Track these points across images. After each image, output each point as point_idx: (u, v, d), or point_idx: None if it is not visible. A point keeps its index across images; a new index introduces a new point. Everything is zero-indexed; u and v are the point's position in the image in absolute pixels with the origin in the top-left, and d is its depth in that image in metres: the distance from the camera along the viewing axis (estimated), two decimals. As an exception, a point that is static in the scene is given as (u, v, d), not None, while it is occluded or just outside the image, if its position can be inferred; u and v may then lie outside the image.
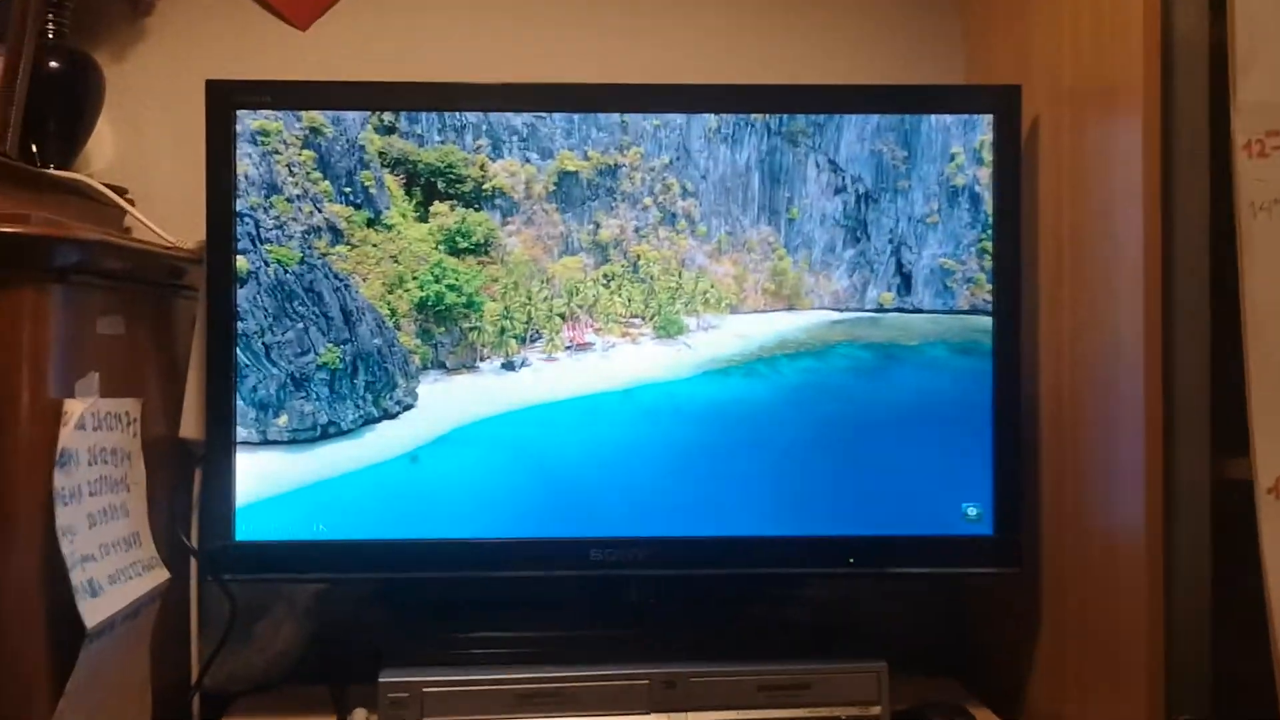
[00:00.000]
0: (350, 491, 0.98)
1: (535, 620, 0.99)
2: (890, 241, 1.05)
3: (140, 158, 1.14)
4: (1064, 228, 0.98)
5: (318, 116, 0.97)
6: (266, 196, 0.96)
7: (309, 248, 0.97)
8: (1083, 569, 0.91)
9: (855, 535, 1.01)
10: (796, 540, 1.01)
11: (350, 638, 1.06)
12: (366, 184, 0.98)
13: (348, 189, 0.98)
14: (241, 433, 0.95)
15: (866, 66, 1.24)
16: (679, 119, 1.03)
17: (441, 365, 1.00)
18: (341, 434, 0.98)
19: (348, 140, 0.98)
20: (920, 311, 1.06)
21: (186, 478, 0.99)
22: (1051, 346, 1.00)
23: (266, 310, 0.96)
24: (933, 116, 1.02)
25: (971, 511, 1.02)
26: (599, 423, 1.01)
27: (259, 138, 0.95)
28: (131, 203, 1.05)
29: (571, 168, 1.02)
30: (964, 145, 1.03)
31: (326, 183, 0.98)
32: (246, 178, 0.95)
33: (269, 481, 0.97)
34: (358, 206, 0.99)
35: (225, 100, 0.94)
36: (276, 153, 0.96)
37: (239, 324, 0.96)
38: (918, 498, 1.02)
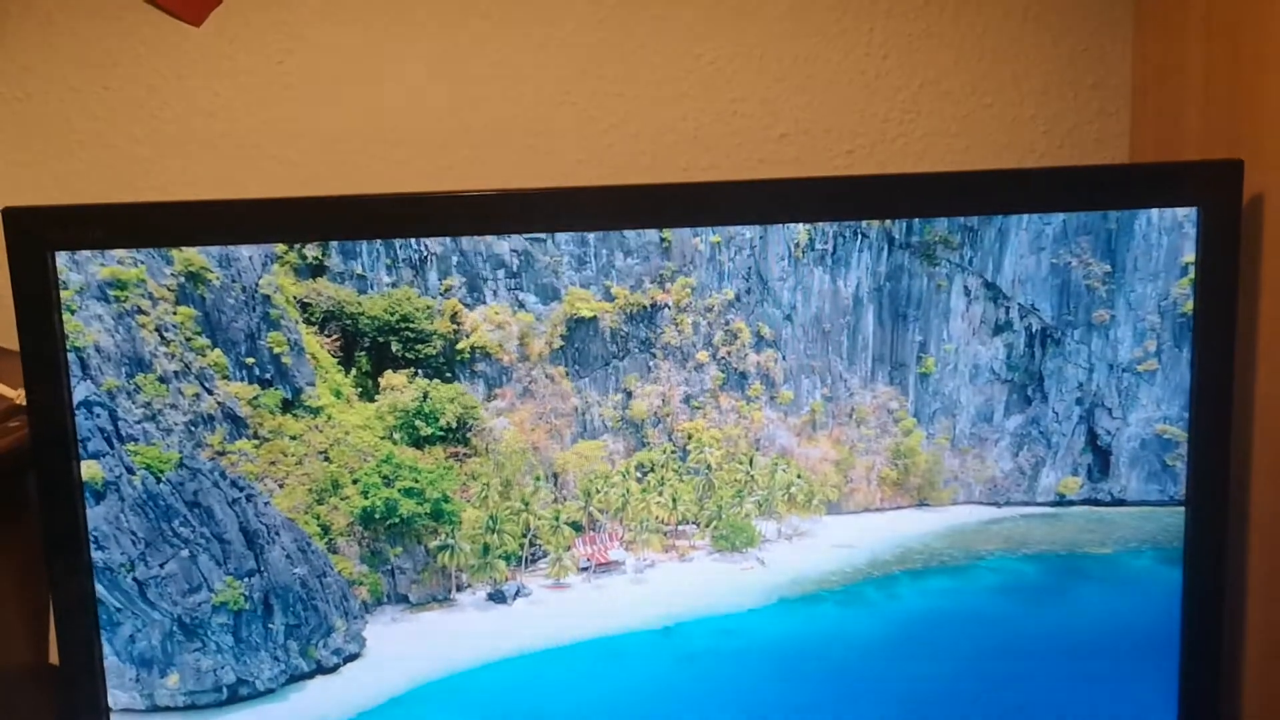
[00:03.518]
0: (275, 773, 1.26)
1: None
2: (1079, 402, 1.27)
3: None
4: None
5: (195, 256, 1.16)
6: (128, 376, 1.17)
7: (194, 445, 1.20)
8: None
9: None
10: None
11: None
12: (278, 351, 1.19)
13: (250, 359, 1.19)
14: (119, 698, 1.23)
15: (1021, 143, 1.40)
16: (749, 232, 1.21)
17: (401, 599, 1.25)
18: (257, 696, 1.26)
19: (245, 289, 1.18)
20: (1122, 504, 1.29)
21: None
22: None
23: (135, 535, 1.21)
24: (1153, 213, 1.20)
25: None
26: (627, 674, 1.28)
27: (111, 292, 1.15)
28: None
29: (587, 312, 1.22)
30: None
31: (217, 352, 1.19)
32: (98, 350, 1.16)
33: (161, 762, 1.25)
34: (267, 384, 1.20)
35: (34, 238, 1.11)
36: (140, 312, 1.17)
37: (98, 553, 1.20)
38: None
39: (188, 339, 1.13)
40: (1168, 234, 1.17)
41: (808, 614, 1.25)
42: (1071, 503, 1.24)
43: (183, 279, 1.12)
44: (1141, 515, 1.23)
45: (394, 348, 1.14)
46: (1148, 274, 1.18)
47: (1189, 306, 1.17)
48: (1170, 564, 1.22)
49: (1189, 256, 1.17)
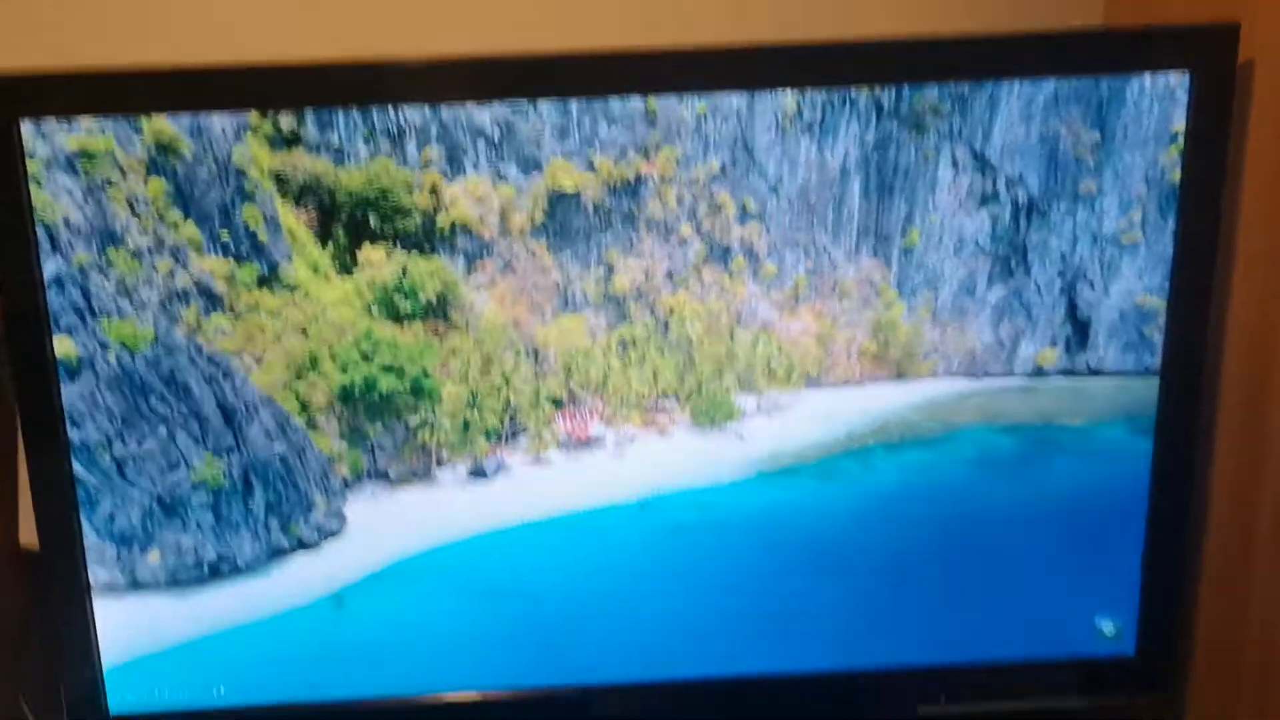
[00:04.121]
0: (257, 645, 1.41)
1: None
2: (1061, 274, 1.41)
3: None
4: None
5: (166, 126, 1.26)
6: (100, 250, 1.28)
7: (169, 321, 1.31)
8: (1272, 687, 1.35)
9: (950, 665, 1.47)
10: (869, 676, 1.47)
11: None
12: (253, 225, 1.30)
13: (224, 233, 1.30)
14: (100, 575, 1.36)
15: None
16: (736, 101, 1.31)
17: (381, 476, 1.38)
18: (238, 572, 1.40)
19: (218, 160, 1.27)
20: (1100, 374, 1.45)
21: (39, 600, 1.40)
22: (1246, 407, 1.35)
23: (112, 412, 1.33)
24: (1145, 79, 1.33)
25: (1107, 627, 1.48)
26: (606, 548, 1.43)
27: (80, 163, 1.25)
28: None
29: (569, 185, 1.34)
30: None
31: (191, 226, 1.30)
32: (67, 224, 1.26)
33: (147, 635, 1.39)
34: (242, 259, 1.31)
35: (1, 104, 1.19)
36: (110, 184, 1.26)
37: (75, 431, 1.32)
38: (1037, 616, 1.46)
39: (160, 212, 1.22)
40: (1159, 101, 1.29)
41: (785, 487, 1.39)
42: (1048, 374, 1.38)
43: (153, 150, 1.21)
44: (1116, 386, 1.38)
45: (372, 222, 1.24)
46: (1137, 143, 1.30)
47: (1176, 176, 1.29)
48: (1142, 435, 1.38)
49: (1179, 125, 1.28)
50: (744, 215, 1.31)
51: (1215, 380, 1.38)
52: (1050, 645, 1.43)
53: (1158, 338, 1.35)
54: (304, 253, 1.25)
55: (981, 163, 1.32)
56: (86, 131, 1.19)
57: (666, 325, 1.32)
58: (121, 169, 1.21)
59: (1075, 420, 1.40)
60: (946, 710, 1.43)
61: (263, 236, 1.24)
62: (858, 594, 1.41)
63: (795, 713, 1.48)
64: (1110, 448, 1.41)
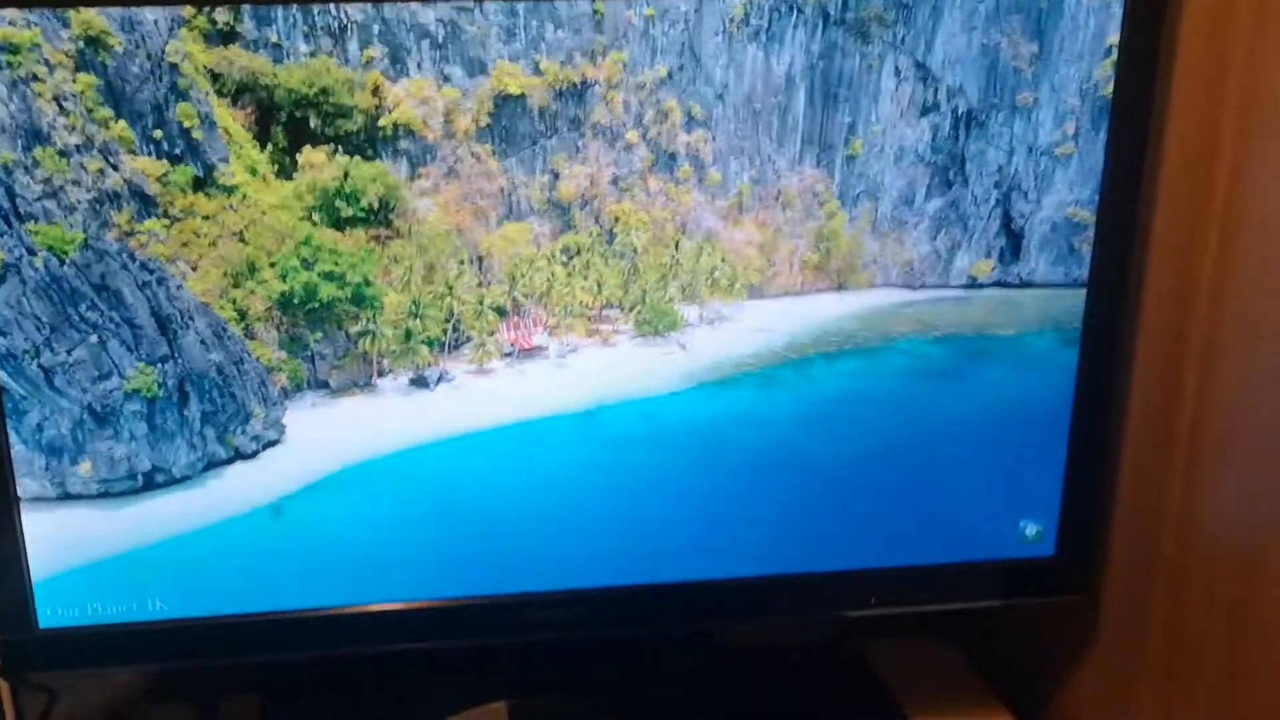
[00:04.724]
0: (194, 556, 1.40)
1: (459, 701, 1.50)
2: (998, 185, 1.44)
3: None
4: (1223, 143, 1.30)
5: (94, 19, 1.21)
6: (25, 149, 1.23)
7: (100, 225, 1.27)
8: (1186, 583, 1.41)
9: (880, 568, 1.52)
10: (801, 579, 1.53)
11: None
12: (188, 124, 1.26)
13: (158, 133, 1.26)
14: (29, 486, 1.34)
15: None
16: (684, 5, 1.32)
17: (321, 385, 1.37)
18: (174, 483, 1.38)
19: (151, 56, 1.24)
20: (1030, 285, 1.49)
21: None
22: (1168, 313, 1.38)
23: (39, 320, 1.29)
24: None
25: (1030, 530, 1.54)
26: (549, 458, 1.44)
27: (3, 57, 1.20)
28: None
29: (515, 89, 1.32)
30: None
31: (122, 124, 1.26)
32: None
33: (78, 548, 1.37)
34: (176, 159, 1.27)
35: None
36: (35, 79, 1.22)
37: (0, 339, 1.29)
38: (964, 520, 1.53)
39: (89, 110, 1.18)
40: (1095, 14, 1.32)
41: (726, 397, 1.42)
42: (982, 285, 1.42)
43: (82, 44, 1.17)
44: (1046, 297, 1.42)
45: (312, 123, 1.22)
46: (1073, 55, 1.33)
47: (1109, 90, 1.32)
48: (1068, 345, 1.43)
49: (1113, 38, 1.31)
50: (690, 122, 1.31)
51: (1139, 292, 1.42)
52: (976, 548, 1.49)
53: (1086, 250, 1.38)
54: (241, 154, 1.22)
55: (924, 72, 1.33)
56: (10, 23, 1.14)
57: (611, 233, 1.32)
58: (48, 64, 1.16)
59: (1006, 330, 1.44)
60: (877, 611, 1.48)
61: (198, 136, 1.21)
62: (793, 501, 1.44)
63: (730, 616, 1.52)
64: (1038, 357, 1.45)
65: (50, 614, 1.34)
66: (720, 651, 1.66)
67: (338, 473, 1.37)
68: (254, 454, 1.34)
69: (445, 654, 1.50)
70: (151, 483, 1.32)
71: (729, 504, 1.45)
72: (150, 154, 1.20)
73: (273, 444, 1.34)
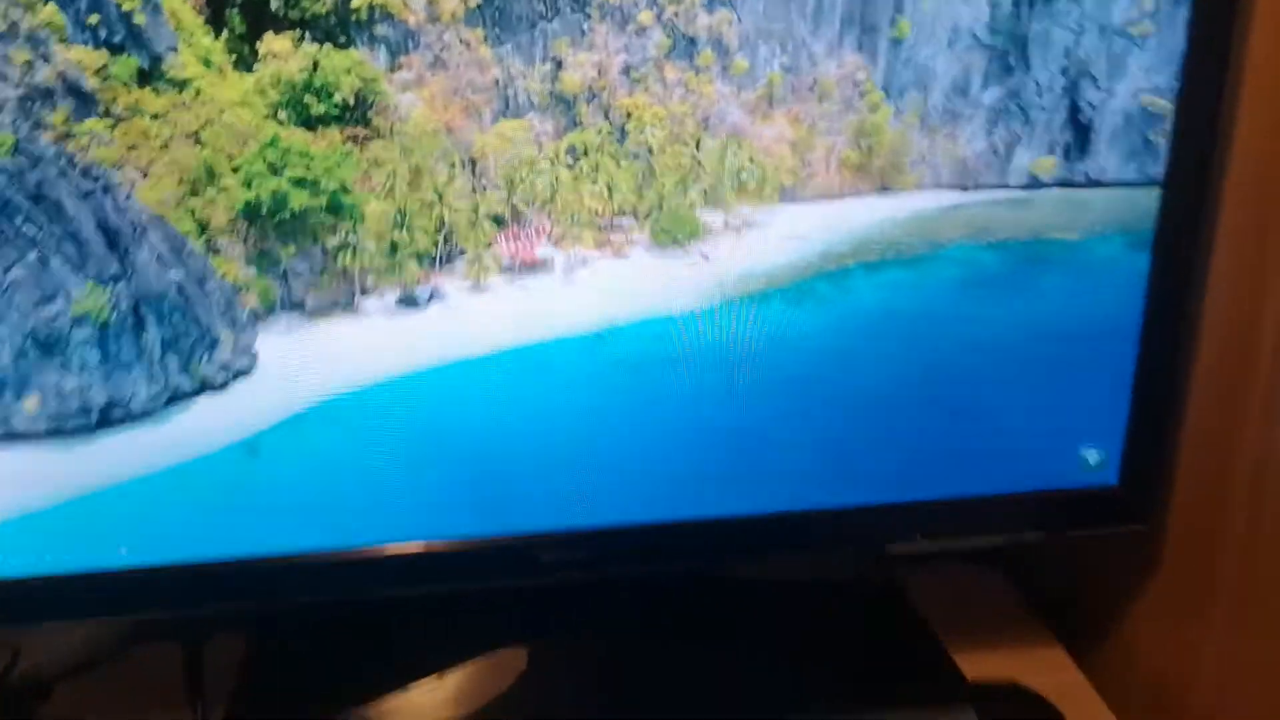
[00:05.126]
0: (162, 498, 1.26)
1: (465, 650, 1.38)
2: (1064, 72, 1.27)
3: None
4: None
5: None
6: None
7: (32, 126, 1.11)
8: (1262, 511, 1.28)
9: (925, 500, 1.39)
10: (836, 514, 1.39)
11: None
12: (127, 6, 1.09)
13: (93, 18, 1.09)
14: None
15: None
16: None
17: (296, 307, 1.22)
18: (133, 419, 1.23)
19: None
20: (1098, 184, 1.33)
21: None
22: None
23: None
24: None
25: (1092, 457, 1.41)
26: (556, 385, 1.30)
27: None
28: None
29: None
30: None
31: (51, 7, 1.08)
32: None
33: (30, 492, 1.23)
34: (117, 49, 1.10)
35: None
36: None
37: None
38: (1018, 447, 1.40)
39: (13, -8, 1.01)
40: None
41: (754, 314, 1.27)
42: (1044, 185, 1.26)
43: (-1, -89, 0.99)
44: (1115, 197, 1.27)
45: (273, 4, 1.05)
46: (1153, -81, 1.15)
47: (1194, -42, 1.15)
48: (1138, 250, 1.27)
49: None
50: (712, 1, 1.14)
51: (1219, 191, 1.27)
52: (1032, 478, 1.35)
53: (1162, 144, 1.21)
54: (192, 42, 1.05)
55: (982, -62, 1.16)
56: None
57: (623, 131, 1.17)
58: (-41, -65, 0.98)
59: (1069, 234, 1.29)
60: (922, 548, 1.35)
61: (140, 21, 1.04)
62: (829, 428, 1.29)
63: (763, 554, 1.38)
64: (1104, 264, 1.30)
65: (2, 564, 1.20)
66: (743, 586, 1.52)
67: (318, 405, 1.22)
68: (223, 385, 1.19)
69: (455, 597, 1.36)
70: (108, 419, 1.18)
71: (757, 433, 1.30)
72: (86, 42, 1.03)
73: (244, 373, 1.19)
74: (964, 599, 1.57)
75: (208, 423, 1.23)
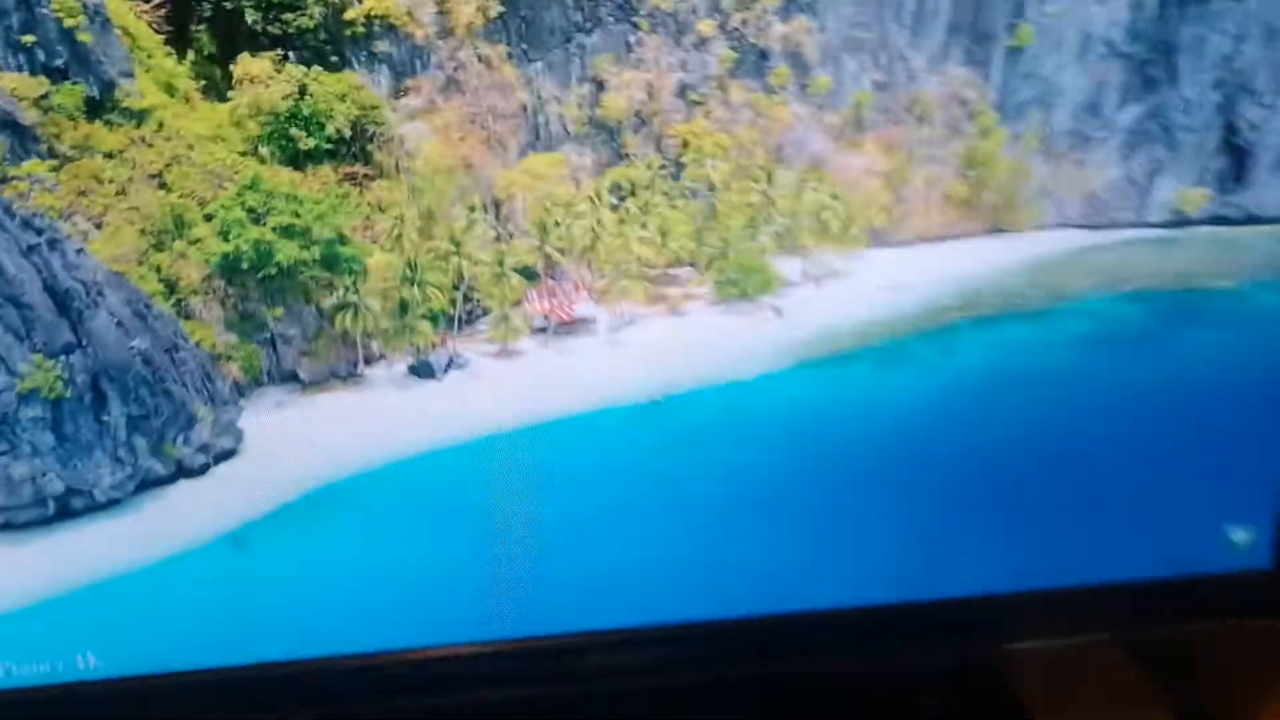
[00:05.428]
0: (134, 600, 1.07)
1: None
2: (1219, 85, 1.07)
3: None
4: None
5: None
6: None
7: None
8: None
9: (1038, 590, 1.17)
10: (929, 608, 1.17)
11: None
12: (70, 23, 0.90)
13: (28, 37, 0.90)
14: None
15: None
16: None
17: (288, 378, 1.02)
18: (98, 508, 1.04)
19: None
20: (1258, 221, 1.12)
21: None
22: None
23: None
24: None
25: (1238, 536, 1.19)
26: (600, 463, 1.08)
27: None
28: None
29: None
30: None
31: None
32: None
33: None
34: (59, 74, 0.91)
35: None
36: None
37: None
38: (1153, 526, 1.17)
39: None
40: None
41: (836, 378, 1.06)
42: (1192, 222, 1.04)
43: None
44: (1278, 236, 1.04)
45: (249, 18, 0.85)
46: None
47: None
48: (1303, 297, 1.05)
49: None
50: (789, 4, 0.93)
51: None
52: (1169, 562, 1.12)
53: (1341, 173, 0.99)
54: (151, 65, 0.86)
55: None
56: None
57: (678, 164, 0.96)
58: None
59: (1222, 282, 1.06)
60: (1039, 645, 1.12)
61: (85, 39, 0.85)
62: (928, 510, 1.08)
63: (841, 654, 1.16)
64: (1263, 316, 1.08)
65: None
66: (816, 683, 1.30)
67: (316, 491, 1.03)
68: (203, 469, 1.00)
69: (487, 708, 1.16)
70: (68, 509, 0.99)
71: (838, 516, 1.09)
72: (20, 67, 0.84)
73: (227, 455, 1.00)
74: (1076, 674, 1.33)
75: (186, 513, 1.04)
